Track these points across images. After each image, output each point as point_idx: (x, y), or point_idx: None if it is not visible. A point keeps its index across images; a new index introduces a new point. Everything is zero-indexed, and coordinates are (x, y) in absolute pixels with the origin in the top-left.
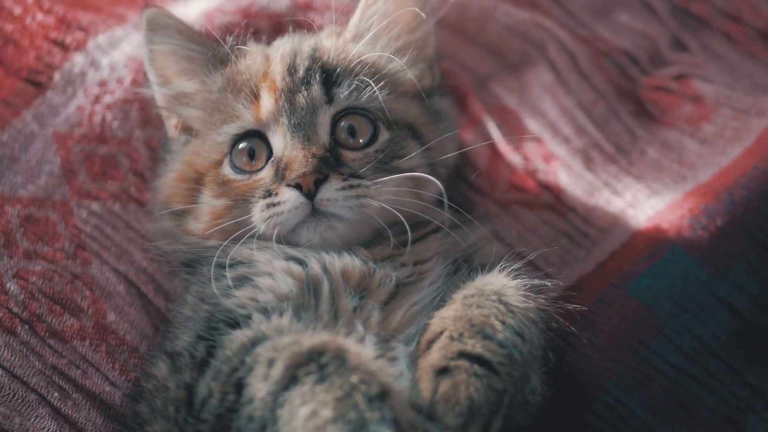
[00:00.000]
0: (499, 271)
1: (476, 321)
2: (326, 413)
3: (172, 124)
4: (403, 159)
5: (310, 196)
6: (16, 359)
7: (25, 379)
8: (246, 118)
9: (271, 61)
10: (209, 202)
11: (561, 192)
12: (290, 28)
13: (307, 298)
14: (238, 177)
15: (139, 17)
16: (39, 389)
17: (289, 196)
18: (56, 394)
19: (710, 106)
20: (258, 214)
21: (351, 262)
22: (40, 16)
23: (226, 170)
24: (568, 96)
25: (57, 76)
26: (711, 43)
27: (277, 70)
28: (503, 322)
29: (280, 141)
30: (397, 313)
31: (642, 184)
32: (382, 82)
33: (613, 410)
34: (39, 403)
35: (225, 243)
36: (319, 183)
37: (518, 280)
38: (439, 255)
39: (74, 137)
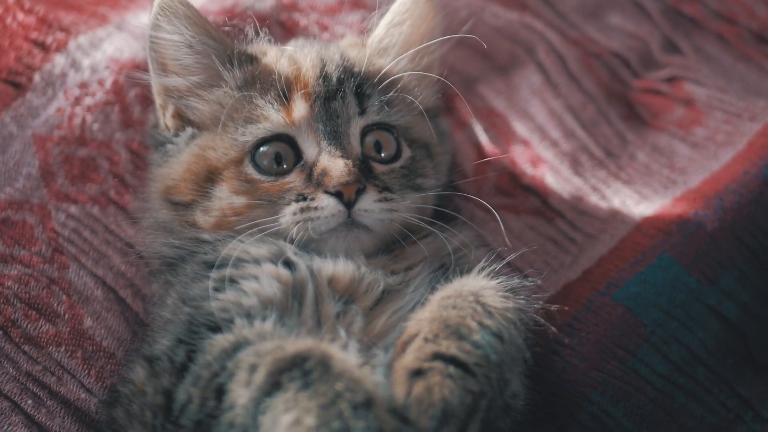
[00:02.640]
0: (478, 272)
1: (452, 322)
2: (310, 421)
3: (168, 114)
4: (426, 178)
5: (348, 204)
6: None
7: None
8: (275, 121)
9: (300, 64)
10: (227, 198)
11: (548, 196)
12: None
13: (291, 303)
14: (264, 178)
15: (119, 15)
16: (12, 396)
17: (327, 203)
18: (30, 401)
19: (702, 110)
20: (290, 216)
21: (343, 268)
22: (20, 16)
23: (250, 170)
24: (557, 99)
25: (37, 77)
26: (704, 45)
27: (310, 75)
28: (480, 323)
29: (312, 147)
30: (380, 319)
31: (631, 189)
32: (406, 100)
33: (599, 420)
34: (12, 410)
35: (224, 237)
36: (359, 193)
37: (497, 281)
38: (426, 259)
39: (53, 139)
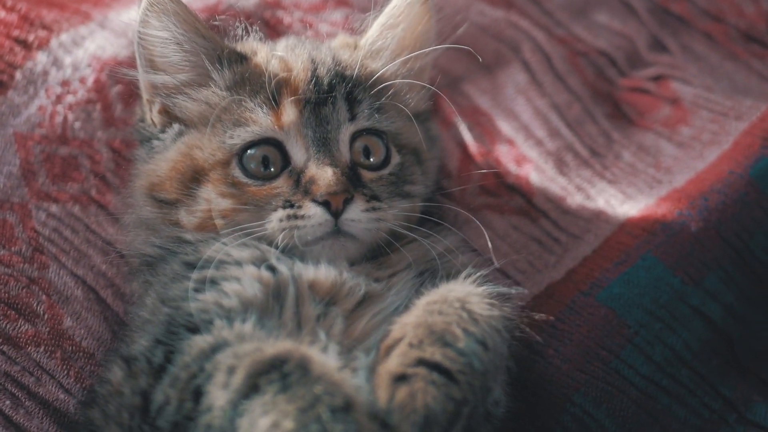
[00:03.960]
0: (465, 278)
1: (437, 328)
2: (288, 424)
3: (155, 110)
4: (415, 185)
5: (336, 214)
6: None
7: None
8: (264, 124)
9: (291, 66)
10: (213, 200)
11: (532, 196)
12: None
13: (272, 305)
14: (251, 182)
15: (102, 13)
16: None
17: (314, 212)
18: (8, 401)
19: (688, 109)
20: (276, 223)
21: (324, 273)
22: (2, 14)
23: (236, 173)
24: (543, 97)
25: (18, 75)
26: (691, 44)
27: (301, 79)
28: (465, 330)
29: (301, 153)
30: (361, 321)
31: (616, 188)
32: (397, 104)
33: (581, 422)
34: None
35: (206, 238)
36: (347, 202)
37: (483, 288)
38: (410, 265)
39: (35, 138)
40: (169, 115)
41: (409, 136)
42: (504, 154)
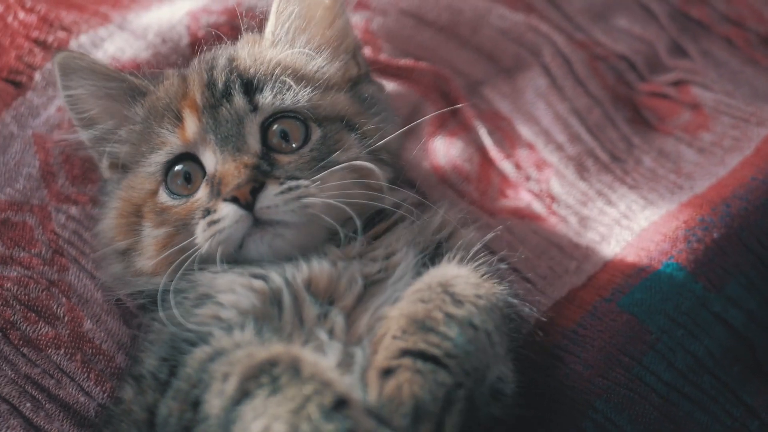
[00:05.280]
0: (449, 260)
1: (419, 316)
2: (279, 427)
3: (104, 165)
4: (340, 152)
5: (248, 207)
6: None
7: None
8: (173, 143)
9: (188, 80)
10: (151, 234)
11: (553, 201)
12: None
13: (271, 310)
14: (175, 202)
15: (121, 15)
16: (11, 399)
17: (227, 211)
18: (29, 404)
19: (709, 114)
20: (201, 234)
21: (318, 267)
22: (21, 15)
23: (162, 197)
24: (563, 102)
25: (38, 76)
26: (711, 49)
27: (196, 88)
28: (447, 314)
29: (210, 158)
30: (363, 317)
31: (637, 194)
32: (304, 81)
33: (603, 429)
34: (10, 413)
35: (176, 277)
36: (255, 192)
37: (468, 268)
38: (408, 245)
39: (54, 139)
40: (116, 166)
41: (331, 105)
42: (524, 159)
